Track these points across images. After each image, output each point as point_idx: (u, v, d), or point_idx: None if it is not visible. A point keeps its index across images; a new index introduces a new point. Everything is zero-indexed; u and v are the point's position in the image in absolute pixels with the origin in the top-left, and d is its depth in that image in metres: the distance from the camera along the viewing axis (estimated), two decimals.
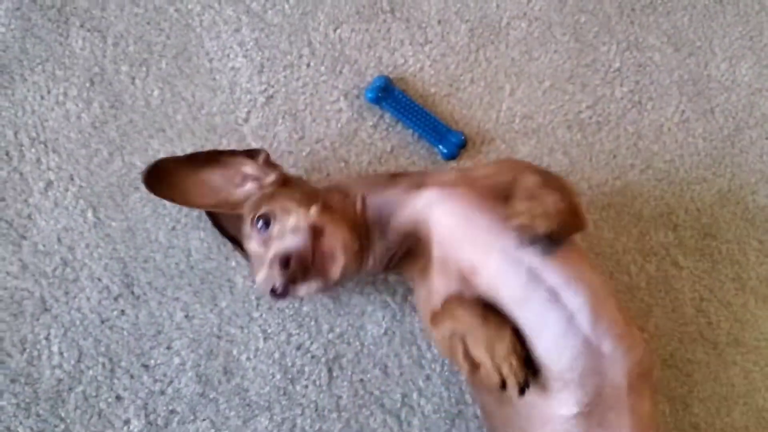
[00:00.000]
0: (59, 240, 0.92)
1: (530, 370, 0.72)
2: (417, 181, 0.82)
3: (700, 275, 1.04)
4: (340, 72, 1.03)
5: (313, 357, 0.93)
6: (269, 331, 0.93)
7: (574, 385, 0.71)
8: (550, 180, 0.77)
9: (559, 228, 0.71)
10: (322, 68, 1.02)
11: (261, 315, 0.93)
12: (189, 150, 0.96)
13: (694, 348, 1.01)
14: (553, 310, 0.72)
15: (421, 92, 1.04)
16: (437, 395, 0.94)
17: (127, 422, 0.88)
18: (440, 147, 1.01)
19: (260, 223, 0.78)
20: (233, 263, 0.94)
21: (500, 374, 0.70)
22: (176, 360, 0.91)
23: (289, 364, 0.92)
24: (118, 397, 0.89)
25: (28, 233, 0.91)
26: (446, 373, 0.94)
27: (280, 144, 0.98)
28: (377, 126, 1.01)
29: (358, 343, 0.94)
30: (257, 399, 0.91)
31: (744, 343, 1.02)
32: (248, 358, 0.92)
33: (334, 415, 0.91)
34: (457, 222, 0.77)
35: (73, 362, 0.89)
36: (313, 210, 0.76)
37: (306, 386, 0.92)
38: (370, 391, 0.93)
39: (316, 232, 0.76)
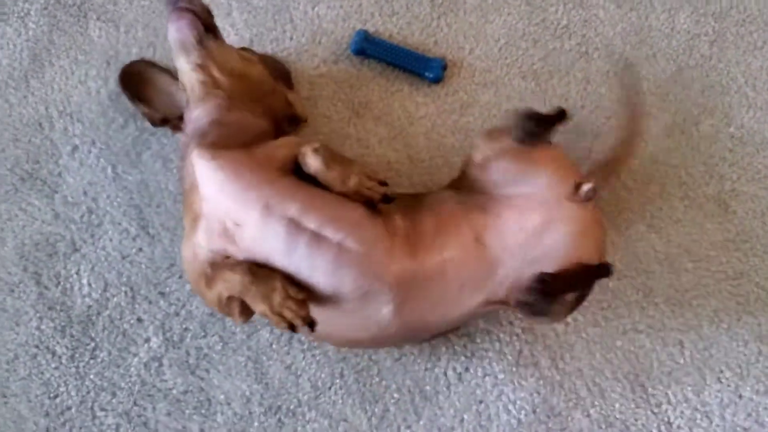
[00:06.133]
0: (85, 193, 1.08)
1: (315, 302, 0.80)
2: (196, 141, 0.86)
3: (649, 197, 1.15)
4: (320, 42, 1.19)
5: None
6: None
7: (372, 294, 0.81)
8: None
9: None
10: (303, 40, 1.19)
11: None
12: None
13: (648, 260, 1.12)
14: (319, 249, 0.79)
15: None
16: None
17: (147, 340, 1.03)
18: (426, 73, 1.16)
19: None
20: None
21: (285, 320, 0.77)
22: (187, 286, 1.05)
23: None
24: (139, 319, 1.04)
25: (59, 188, 1.08)
26: None
27: None
28: (357, 78, 1.17)
29: None
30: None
31: (695, 253, 1.13)
32: None
33: None
34: (222, 179, 0.81)
35: (99, 292, 1.04)
36: None
37: None
38: None
39: None
